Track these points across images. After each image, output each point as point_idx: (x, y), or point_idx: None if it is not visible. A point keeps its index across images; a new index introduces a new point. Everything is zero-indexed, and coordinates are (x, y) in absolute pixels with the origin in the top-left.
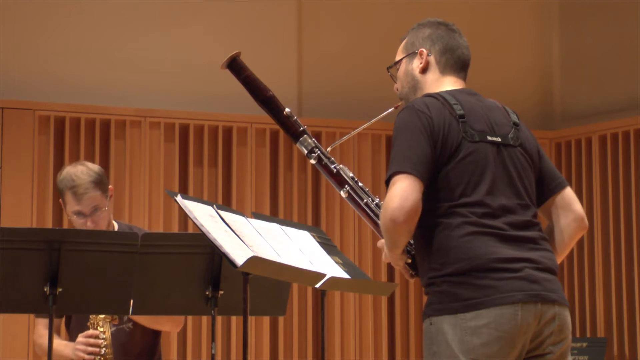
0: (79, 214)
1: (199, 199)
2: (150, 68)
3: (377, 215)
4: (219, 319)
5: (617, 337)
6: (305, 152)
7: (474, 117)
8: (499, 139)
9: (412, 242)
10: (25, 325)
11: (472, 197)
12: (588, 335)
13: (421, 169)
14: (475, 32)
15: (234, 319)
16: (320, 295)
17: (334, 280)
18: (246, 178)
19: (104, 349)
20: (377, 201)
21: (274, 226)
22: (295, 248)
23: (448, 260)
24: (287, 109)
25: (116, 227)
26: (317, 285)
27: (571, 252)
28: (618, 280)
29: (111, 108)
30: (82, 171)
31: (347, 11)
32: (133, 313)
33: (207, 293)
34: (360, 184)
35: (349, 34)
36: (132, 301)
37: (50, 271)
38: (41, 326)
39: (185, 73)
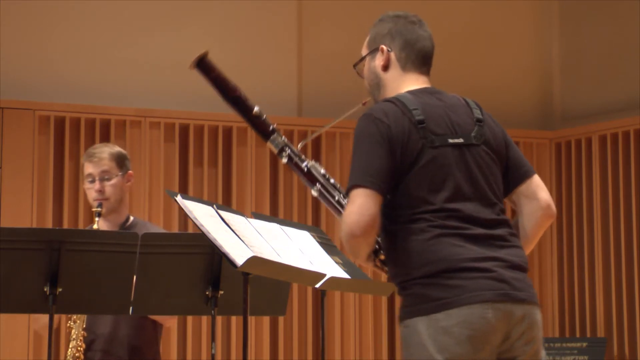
0: (90, 177)
1: (199, 199)
2: (150, 68)
3: None
4: (218, 319)
5: (617, 337)
6: (276, 151)
7: (434, 120)
8: (461, 140)
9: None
10: (25, 325)
11: (436, 202)
12: (588, 335)
13: (379, 181)
14: (475, 32)
15: (234, 319)
16: (320, 295)
17: (334, 280)
18: (246, 178)
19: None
20: None
21: (274, 226)
22: (295, 248)
23: (416, 264)
24: (256, 108)
25: (131, 221)
26: (317, 285)
27: (571, 252)
28: (618, 280)
29: (111, 108)
30: (105, 144)
31: (347, 11)
32: (133, 313)
33: (207, 293)
34: (332, 181)
35: (349, 34)
36: (132, 301)
37: (50, 271)
38: None
39: (185, 73)
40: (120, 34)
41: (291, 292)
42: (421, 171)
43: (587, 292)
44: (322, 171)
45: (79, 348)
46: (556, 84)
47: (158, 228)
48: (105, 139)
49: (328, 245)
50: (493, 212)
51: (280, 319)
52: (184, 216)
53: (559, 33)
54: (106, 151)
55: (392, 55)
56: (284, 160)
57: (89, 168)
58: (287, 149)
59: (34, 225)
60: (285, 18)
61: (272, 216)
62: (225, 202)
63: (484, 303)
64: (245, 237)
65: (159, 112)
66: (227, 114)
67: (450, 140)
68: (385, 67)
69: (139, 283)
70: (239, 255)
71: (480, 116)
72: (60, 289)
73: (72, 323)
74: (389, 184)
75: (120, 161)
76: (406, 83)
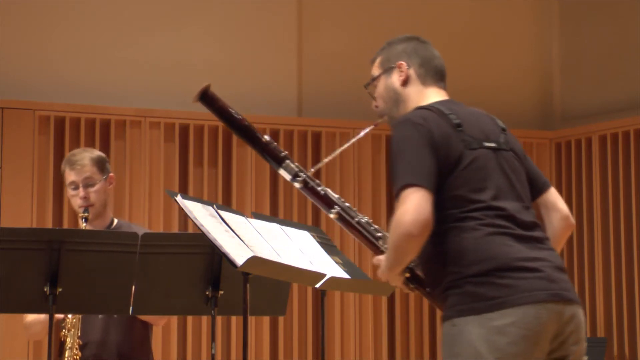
0: (73, 184)
1: (199, 199)
2: (150, 68)
3: (370, 233)
4: (218, 318)
5: (617, 337)
6: (289, 177)
7: (468, 125)
8: (494, 145)
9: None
10: None
11: (481, 202)
12: (588, 335)
13: (430, 180)
14: (475, 32)
15: (234, 319)
16: (320, 295)
17: (334, 280)
18: (246, 178)
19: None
20: (366, 219)
21: (274, 226)
22: (295, 248)
23: (468, 262)
24: (265, 136)
25: (115, 224)
26: (317, 285)
27: (571, 252)
28: (618, 280)
29: (111, 108)
30: (84, 149)
31: (347, 11)
32: (133, 313)
33: (207, 293)
34: (347, 204)
35: (349, 34)
36: (132, 301)
37: (50, 271)
38: None
39: (186, 73)
40: (120, 34)
41: (291, 292)
42: (463, 173)
43: (587, 292)
44: (337, 195)
45: (74, 357)
46: (556, 84)
47: (143, 229)
48: (105, 139)
49: (328, 245)
50: (530, 214)
51: (280, 319)
52: (184, 216)
53: (559, 33)
54: (87, 157)
55: (412, 71)
56: (298, 185)
57: (71, 176)
58: (301, 174)
59: (34, 225)
60: (285, 18)
61: (272, 216)
62: (225, 202)
63: (537, 303)
64: (245, 237)
65: (159, 112)
66: None
67: (486, 144)
68: (405, 83)
69: (139, 283)
70: (239, 255)
71: (504, 125)
72: (60, 289)
73: (66, 332)
74: (436, 184)
75: (102, 165)
76: (429, 96)
